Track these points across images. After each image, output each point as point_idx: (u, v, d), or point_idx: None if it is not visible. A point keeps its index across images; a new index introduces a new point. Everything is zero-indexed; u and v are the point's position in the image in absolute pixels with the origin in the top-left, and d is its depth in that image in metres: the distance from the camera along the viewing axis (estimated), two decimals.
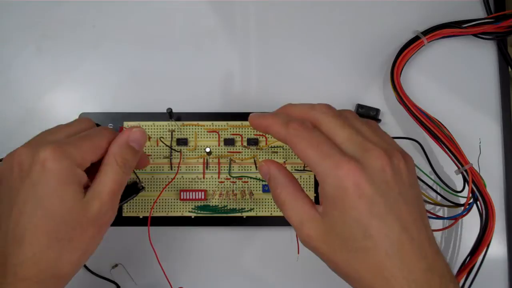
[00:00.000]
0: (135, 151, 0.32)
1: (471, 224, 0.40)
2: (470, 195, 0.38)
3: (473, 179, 0.38)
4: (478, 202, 0.38)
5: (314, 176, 0.40)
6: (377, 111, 0.42)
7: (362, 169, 0.26)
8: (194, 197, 0.40)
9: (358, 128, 0.29)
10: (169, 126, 0.41)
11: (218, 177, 0.40)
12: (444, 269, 0.27)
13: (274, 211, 0.40)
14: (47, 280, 0.28)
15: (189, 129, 0.41)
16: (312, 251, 0.28)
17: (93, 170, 0.31)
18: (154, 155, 0.40)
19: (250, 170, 0.40)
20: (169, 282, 0.39)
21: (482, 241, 0.38)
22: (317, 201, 0.36)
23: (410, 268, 0.25)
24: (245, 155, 0.40)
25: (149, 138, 0.40)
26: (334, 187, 0.26)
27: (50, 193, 0.28)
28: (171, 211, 0.40)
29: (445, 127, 0.39)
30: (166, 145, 0.40)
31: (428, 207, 0.41)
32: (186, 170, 0.40)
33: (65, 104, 0.43)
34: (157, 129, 0.41)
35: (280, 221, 0.40)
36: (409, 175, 0.28)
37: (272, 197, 0.30)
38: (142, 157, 0.34)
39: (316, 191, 0.40)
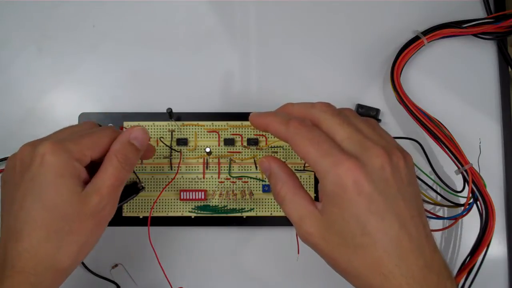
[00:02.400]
0: (136, 148, 0.32)
1: (471, 224, 0.40)
2: (470, 195, 0.38)
3: (473, 179, 0.38)
4: (478, 202, 0.38)
5: (314, 176, 0.40)
6: (377, 111, 0.42)
7: (361, 166, 0.26)
8: (194, 197, 0.40)
9: (358, 126, 0.29)
10: (169, 126, 0.41)
11: (218, 177, 0.40)
12: (442, 266, 0.27)
13: (274, 211, 0.40)
14: (44, 273, 0.28)
15: (189, 129, 0.41)
16: (311, 248, 0.28)
17: (97, 170, 0.31)
18: (154, 155, 0.40)
19: (250, 170, 0.40)
20: (169, 282, 0.39)
21: (482, 241, 0.38)
22: (317, 200, 0.36)
23: (408, 265, 0.25)
24: (245, 155, 0.40)
25: (149, 138, 0.40)
26: (334, 184, 0.26)
27: (47, 186, 0.28)
28: (171, 211, 0.40)
29: (445, 127, 0.39)
30: (166, 145, 0.40)
31: (428, 207, 0.41)
32: (186, 170, 0.40)
33: (65, 104, 0.43)
34: (157, 129, 0.41)
35: (280, 221, 0.40)
36: (408, 173, 0.28)
37: (272, 193, 0.30)
38: (147, 149, 0.34)
39: (316, 190, 0.40)
